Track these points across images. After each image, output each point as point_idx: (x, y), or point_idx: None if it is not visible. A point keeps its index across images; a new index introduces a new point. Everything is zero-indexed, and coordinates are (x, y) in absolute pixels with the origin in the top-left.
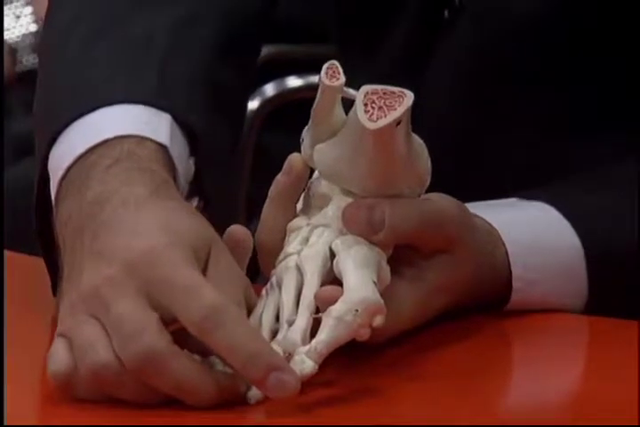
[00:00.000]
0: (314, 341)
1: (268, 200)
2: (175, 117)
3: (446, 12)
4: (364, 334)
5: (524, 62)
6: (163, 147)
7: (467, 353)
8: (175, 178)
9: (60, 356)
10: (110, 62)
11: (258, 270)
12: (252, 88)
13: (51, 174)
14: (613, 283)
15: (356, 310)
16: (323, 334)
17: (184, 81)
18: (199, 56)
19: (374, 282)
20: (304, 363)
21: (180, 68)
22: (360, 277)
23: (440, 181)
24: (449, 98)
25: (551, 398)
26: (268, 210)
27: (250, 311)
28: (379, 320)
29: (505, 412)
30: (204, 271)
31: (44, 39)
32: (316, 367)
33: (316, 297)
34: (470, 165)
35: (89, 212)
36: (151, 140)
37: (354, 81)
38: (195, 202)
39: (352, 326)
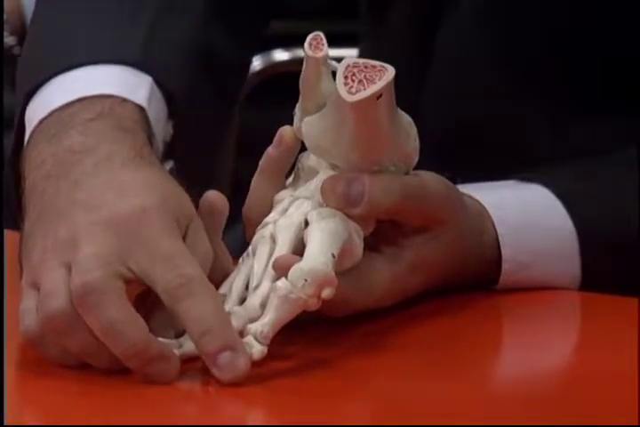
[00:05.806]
0: (259, 323)
1: (257, 172)
2: (156, 80)
3: None
4: (313, 305)
5: (526, 40)
6: (141, 108)
7: (451, 327)
8: (151, 142)
9: (32, 311)
10: (99, 22)
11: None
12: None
13: (27, 125)
14: (607, 267)
15: (305, 280)
16: (267, 316)
17: (171, 44)
18: (190, 20)
19: (333, 255)
20: (252, 348)
21: (168, 31)
22: (319, 249)
23: (439, 159)
24: (453, 72)
25: (540, 373)
26: (257, 182)
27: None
28: (327, 292)
29: (476, 384)
30: (183, 239)
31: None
32: (265, 350)
33: (272, 264)
34: (471, 146)
35: (67, 159)
36: (131, 102)
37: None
38: (169, 165)
39: (297, 303)
